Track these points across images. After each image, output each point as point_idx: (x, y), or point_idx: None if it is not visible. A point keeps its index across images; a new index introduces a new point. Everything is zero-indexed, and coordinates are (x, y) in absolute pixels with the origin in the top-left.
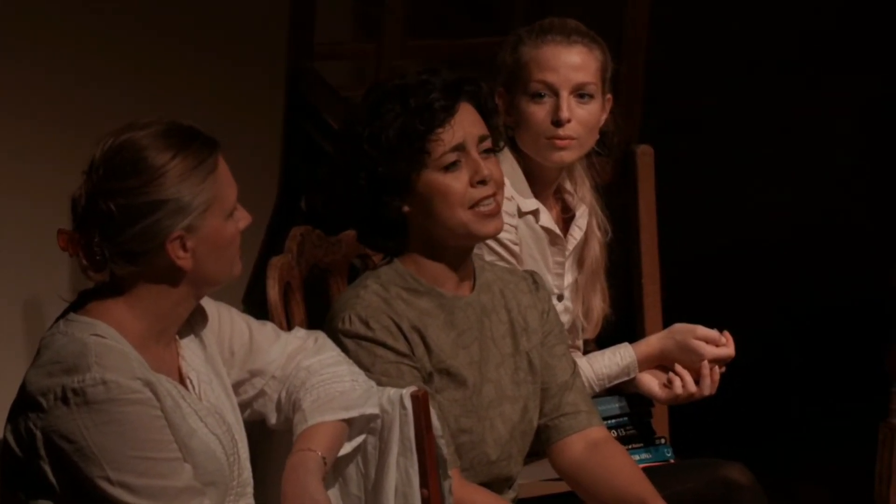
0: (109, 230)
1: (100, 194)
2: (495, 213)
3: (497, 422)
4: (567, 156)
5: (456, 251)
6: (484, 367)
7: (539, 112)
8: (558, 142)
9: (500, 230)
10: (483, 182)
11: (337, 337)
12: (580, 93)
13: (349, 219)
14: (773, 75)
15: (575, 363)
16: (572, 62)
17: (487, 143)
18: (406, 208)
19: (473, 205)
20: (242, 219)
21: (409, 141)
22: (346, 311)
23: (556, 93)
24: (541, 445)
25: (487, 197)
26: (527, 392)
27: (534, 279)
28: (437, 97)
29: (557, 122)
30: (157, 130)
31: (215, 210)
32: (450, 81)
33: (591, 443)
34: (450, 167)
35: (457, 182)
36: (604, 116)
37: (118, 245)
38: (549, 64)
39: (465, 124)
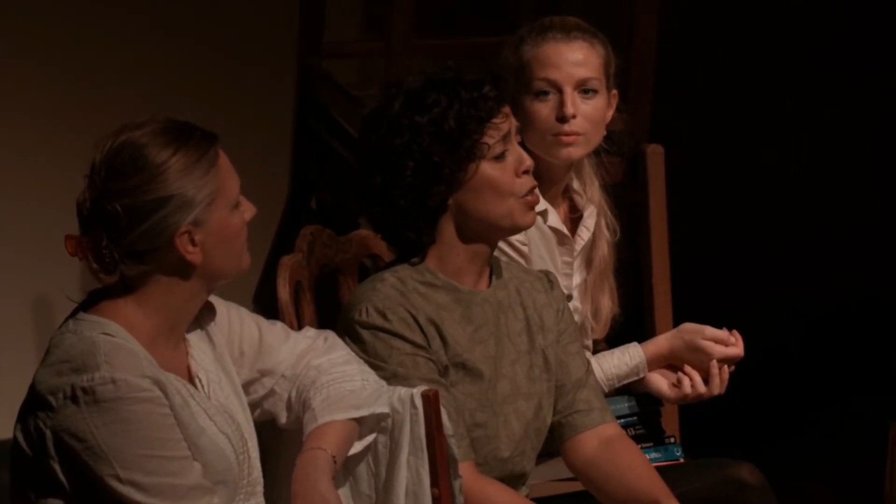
0: (117, 231)
1: (104, 196)
2: (536, 204)
3: (511, 418)
4: (574, 152)
5: (485, 244)
6: (499, 363)
7: (543, 110)
8: (564, 138)
9: (534, 222)
10: (527, 172)
11: (353, 328)
12: (584, 88)
13: (381, 213)
14: (783, 75)
15: (589, 361)
16: (574, 58)
17: (519, 136)
18: (451, 199)
19: (525, 193)
20: (247, 210)
21: (469, 131)
22: (363, 303)
23: (559, 89)
24: (554, 443)
25: (534, 187)
26: (541, 389)
27: (549, 279)
28: (489, 89)
29: (562, 119)
30: (155, 128)
31: (220, 202)
32: (496, 75)
33: (604, 440)
34: (499, 157)
35: (505, 172)
36: (610, 112)
37: (127, 245)
38: (551, 61)
39: (509, 116)
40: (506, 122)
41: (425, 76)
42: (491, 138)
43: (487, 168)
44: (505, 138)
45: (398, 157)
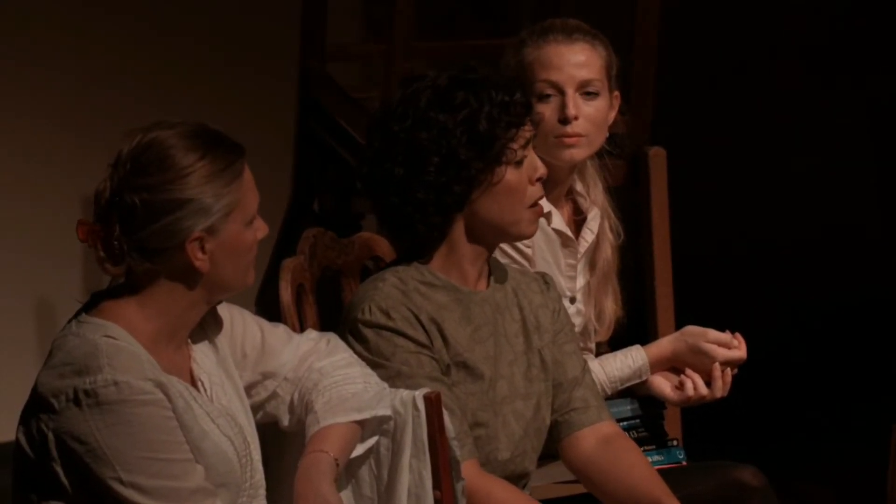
0: (131, 224)
1: (125, 188)
2: (541, 216)
3: (510, 418)
4: (577, 153)
5: (488, 247)
6: (498, 363)
7: (545, 112)
8: (567, 140)
9: (534, 234)
10: (540, 179)
11: (357, 327)
12: (586, 90)
13: (397, 205)
14: (784, 76)
15: (585, 361)
16: (576, 60)
17: (532, 143)
18: (470, 197)
19: (532, 203)
20: (260, 229)
21: (499, 134)
22: (365, 302)
23: (561, 91)
24: (552, 443)
25: (541, 197)
26: (539, 389)
27: (544, 280)
28: (520, 94)
29: (564, 120)
30: (186, 131)
31: (237, 215)
32: (522, 80)
33: (602, 438)
34: (519, 162)
35: (522, 178)
36: (612, 114)
37: (138, 240)
38: (553, 63)
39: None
40: (530, 130)
41: (450, 73)
42: (518, 144)
43: (511, 172)
44: (526, 145)
45: (423, 152)
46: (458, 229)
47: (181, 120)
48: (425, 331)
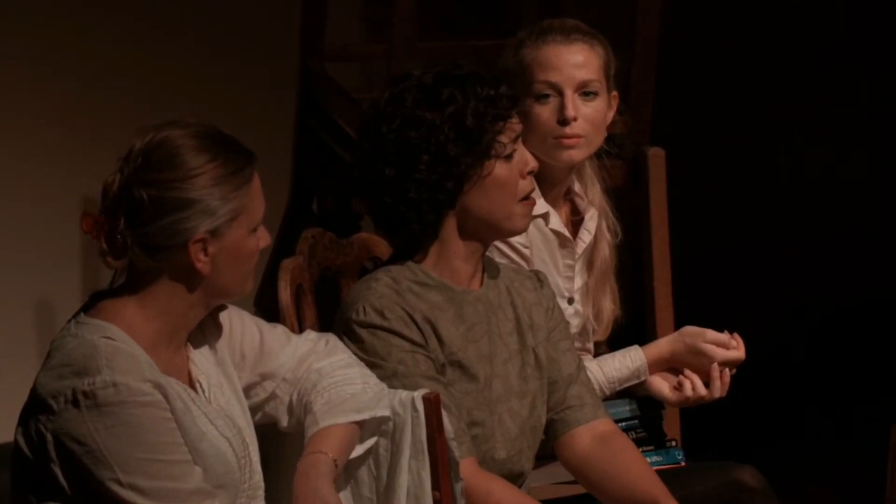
0: (137, 219)
1: (134, 182)
2: (532, 208)
3: (505, 417)
4: (576, 154)
5: (481, 244)
6: (493, 362)
7: (544, 112)
8: (566, 140)
9: (528, 227)
10: (531, 173)
11: (351, 328)
12: (584, 91)
13: (390, 205)
14: (784, 76)
15: (580, 358)
16: (574, 60)
17: (522, 137)
18: (461, 194)
19: (523, 197)
20: (263, 238)
21: (487, 128)
22: (359, 303)
23: (560, 92)
24: (549, 442)
25: (532, 190)
26: (534, 388)
27: (538, 277)
28: (506, 88)
29: (563, 121)
30: (199, 132)
31: (242, 221)
32: (505, 73)
33: (598, 435)
34: (508, 157)
35: (512, 172)
36: (610, 114)
37: (142, 236)
38: (551, 63)
39: (517, 118)
40: (519, 123)
41: (435, 70)
42: (506, 137)
43: (500, 166)
44: (516, 139)
45: (413, 151)
46: (451, 227)
47: (195, 121)
48: (420, 330)
